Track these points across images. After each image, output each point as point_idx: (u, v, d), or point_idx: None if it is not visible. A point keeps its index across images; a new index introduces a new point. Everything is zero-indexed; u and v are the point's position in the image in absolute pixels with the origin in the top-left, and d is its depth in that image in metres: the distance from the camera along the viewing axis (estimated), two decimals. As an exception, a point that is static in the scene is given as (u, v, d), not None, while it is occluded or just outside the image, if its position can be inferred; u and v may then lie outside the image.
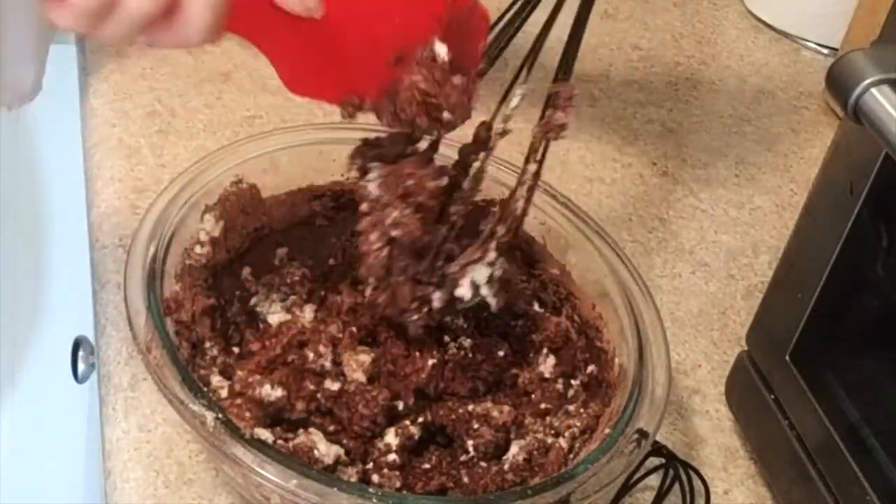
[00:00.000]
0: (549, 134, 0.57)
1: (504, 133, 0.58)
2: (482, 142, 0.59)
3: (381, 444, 0.56)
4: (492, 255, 0.57)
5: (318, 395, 0.56)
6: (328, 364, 0.57)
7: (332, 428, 0.56)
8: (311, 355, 0.57)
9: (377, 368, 0.58)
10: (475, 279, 0.57)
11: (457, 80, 0.53)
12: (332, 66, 0.49)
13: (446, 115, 0.53)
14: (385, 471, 0.55)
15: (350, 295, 0.61)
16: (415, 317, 0.57)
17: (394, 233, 0.55)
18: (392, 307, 0.57)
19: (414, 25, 0.52)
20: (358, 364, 0.57)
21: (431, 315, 0.58)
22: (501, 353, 0.62)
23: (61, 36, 0.94)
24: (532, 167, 0.58)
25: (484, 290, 0.57)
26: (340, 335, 0.59)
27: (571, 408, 0.60)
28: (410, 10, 0.52)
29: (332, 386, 0.56)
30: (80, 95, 0.86)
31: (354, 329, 0.59)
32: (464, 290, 0.57)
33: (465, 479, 0.56)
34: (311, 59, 0.48)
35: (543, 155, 0.58)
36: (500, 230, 0.57)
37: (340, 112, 0.54)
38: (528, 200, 0.59)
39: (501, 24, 0.60)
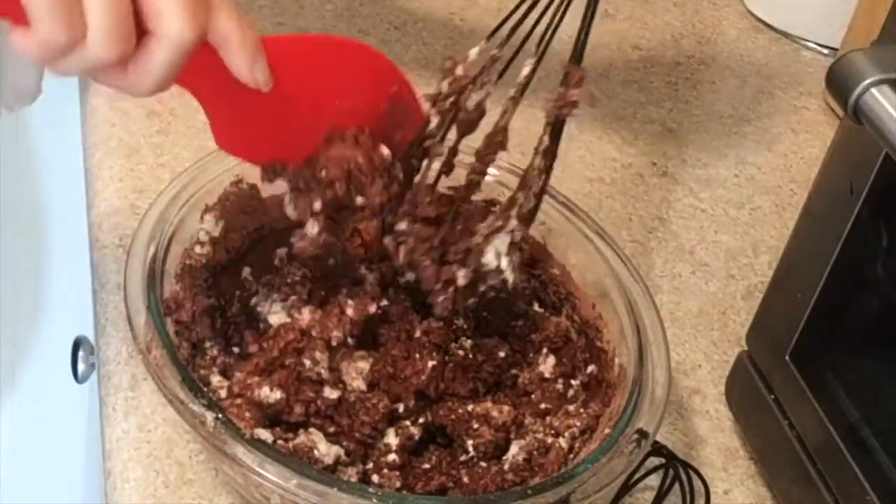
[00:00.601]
0: (564, 110, 0.58)
1: (515, 101, 0.58)
2: (497, 143, 0.59)
3: (380, 445, 0.56)
4: (513, 222, 0.57)
5: (318, 402, 0.56)
6: (325, 373, 0.57)
7: (331, 430, 0.56)
8: (307, 363, 0.57)
9: (377, 374, 0.58)
10: (498, 248, 0.57)
11: (385, 179, 0.56)
12: (264, 133, 0.52)
13: (359, 199, 0.56)
14: (385, 471, 0.55)
15: (350, 295, 0.61)
16: (441, 298, 0.58)
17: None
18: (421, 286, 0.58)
19: (353, 111, 0.54)
20: (357, 372, 0.57)
21: (458, 295, 0.58)
22: (502, 354, 0.62)
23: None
24: (547, 140, 0.59)
25: (504, 263, 0.57)
26: (340, 336, 0.58)
27: (571, 408, 0.60)
28: (353, 96, 0.54)
29: (332, 395, 0.56)
30: (80, 95, 0.86)
31: (354, 331, 0.59)
32: (489, 258, 0.57)
33: (465, 479, 0.56)
34: (246, 123, 0.50)
35: (559, 129, 0.59)
36: (521, 197, 0.58)
37: (260, 174, 0.56)
38: (548, 171, 0.59)
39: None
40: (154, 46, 0.45)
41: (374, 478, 0.55)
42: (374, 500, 0.49)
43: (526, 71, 0.58)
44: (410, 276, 0.59)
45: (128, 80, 0.46)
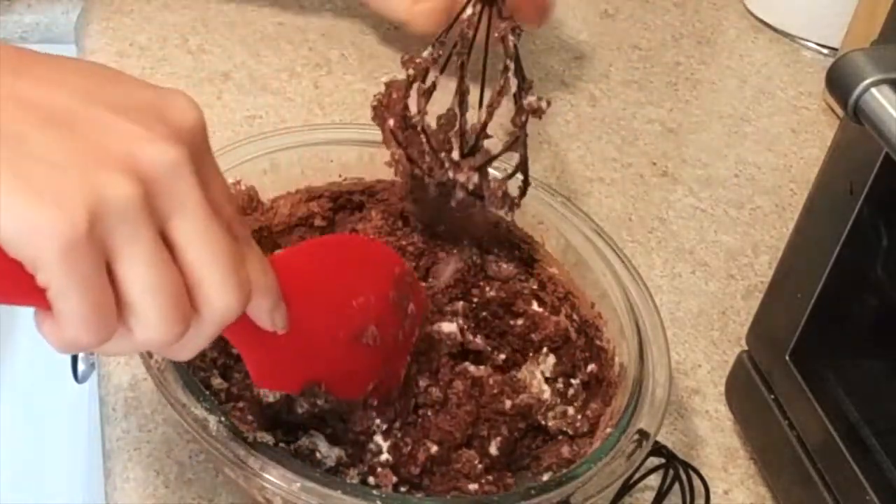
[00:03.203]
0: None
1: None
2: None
3: (371, 445, 0.56)
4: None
5: (316, 401, 0.56)
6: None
7: (328, 431, 0.56)
8: None
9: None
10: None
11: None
12: (293, 360, 0.50)
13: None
14: (379, 470, 0.55)
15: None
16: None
17: None
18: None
19: (367, 305, 0.54)
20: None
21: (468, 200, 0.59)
22: (502, 355, 0.62)
23: (61, 36, 0.94)
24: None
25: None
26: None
27: (571, 408, 0.60)
28: (365, 290, 0.54)
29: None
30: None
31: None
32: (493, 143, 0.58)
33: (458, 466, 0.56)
34: (273, 356, 0.49)
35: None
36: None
37: (303, 394, 0.54)
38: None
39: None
40: (200, 323, 0.40)
41: (371, 479, 0.55)
42: (378, 502, 0.49)
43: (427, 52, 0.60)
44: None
45: (169, 351, 0.42)
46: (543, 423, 0.60)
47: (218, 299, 0.40)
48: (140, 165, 0.37)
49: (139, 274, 0.37)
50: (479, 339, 0.62)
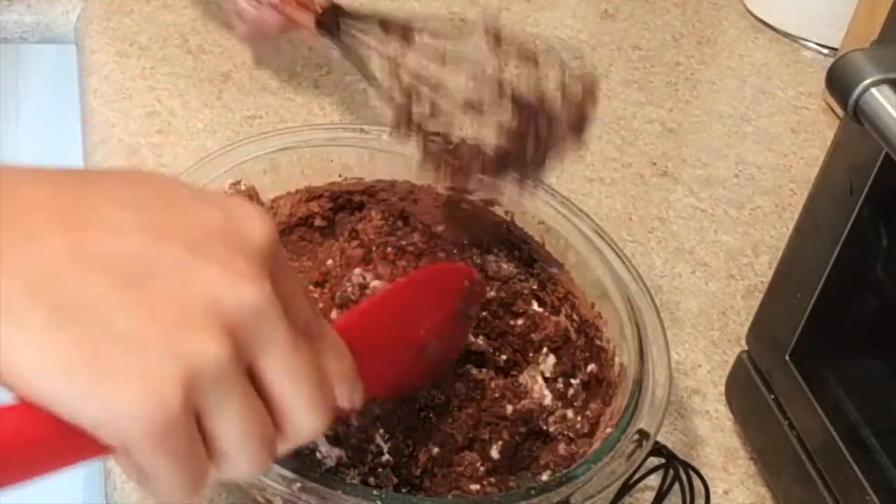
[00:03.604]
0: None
1: None
2: None
3: (372, 447, 0.56)
4: None
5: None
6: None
7: (329, 432, 0.56)
8: None
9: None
10: None
11: None
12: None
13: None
14: (380, 471, 0.55)
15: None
16: None
17: None
18: None
19: (437, 327, 0.55)
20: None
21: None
22: (504, 356, 0.62)
23: (61, 36, 0.94)
24: None
25: None
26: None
27: (571, 411, 0.60)
28: (436, 315, 0.55)
29: None
30: (80, 95, 0.86)
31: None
32: None
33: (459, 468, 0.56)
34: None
35: None
36: None
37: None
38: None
39: None
40: (284, 442, 0.39)
41: (371, 480, 0.55)
42: (379, 503, 0.49)
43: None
44: None
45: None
46: (544, 427, 0.60)
47: (305, 424, 0.39)
48: (226, 314, 0.35)
49: (231, 428, 0.36)
50: (480, 340, 0.62)
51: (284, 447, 0.39)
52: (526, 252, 0.66)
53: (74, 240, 0.34)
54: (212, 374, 0.34)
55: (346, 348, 0.42)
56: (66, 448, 0.34)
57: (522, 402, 0.60)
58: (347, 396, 0.42)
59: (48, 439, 0.33)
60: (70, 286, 0.33)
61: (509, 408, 0.59)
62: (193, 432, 0.35)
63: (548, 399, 0.61)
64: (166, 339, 0.34)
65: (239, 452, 0.36)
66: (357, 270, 0.62)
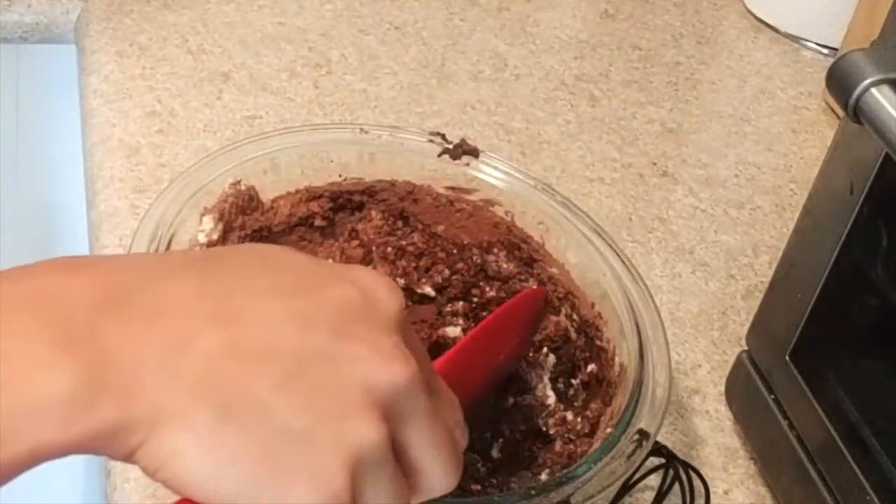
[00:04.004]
0: None
1: None
2: None
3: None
4: None
5: None
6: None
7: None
8: None
9: None
10: None
11: None
12: None
13: None
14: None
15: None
16: None
17: None
18: None
19: (514, 349, 0.59)
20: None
21: None
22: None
23: (61, 36, 0.94)
24: None
25: None
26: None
27: (570, 413, 0.60)
28: (516, 337, 0.58)
29: None
30: (80, 95, 0.86)
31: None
32: None
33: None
34: None
35: None
36: None
37: None
38: None
39: None
40: (413, 497, 0.40)
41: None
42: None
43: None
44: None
45: None
46: (544, 429, 0.60)
47: (442, 483, 0.40)
48: (380, 396, 0.36)
49: (380, 500, 0.37)
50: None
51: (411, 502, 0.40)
52: (526, 252, 0.66)
53: (229, 337, 0.35)
54: (372, 458, 0.35)
55: (455, 397, 0.43)
56: None
57: (524, 395, 0.60)
58: (461, 444, 0.43)
59: None
60: (233, 384, 0.34)
61: (510, 400, 0.59)
62: None
63: (551, 399, 0.61)
64: (330, 430, 0.35)
65: None
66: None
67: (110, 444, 0.33)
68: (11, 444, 0.31)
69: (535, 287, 0.64)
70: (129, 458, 0.33)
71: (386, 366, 0.37)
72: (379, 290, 0.39)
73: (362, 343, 0.37)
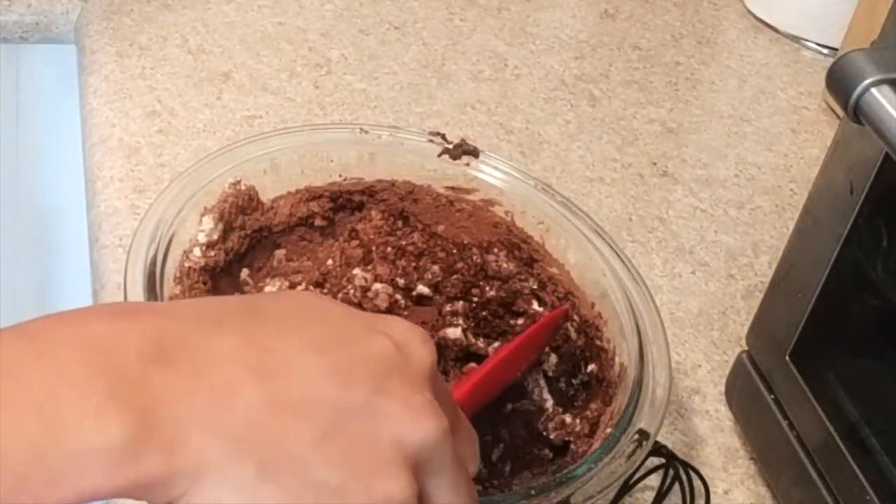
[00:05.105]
0: None
1: None
2: None
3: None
4: None
5: None
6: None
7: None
8: None
9: None
10: None
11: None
12: None
13: None
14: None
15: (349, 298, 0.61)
16: None
17: None
18: None
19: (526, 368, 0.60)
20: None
21: None
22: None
23: (61, 36, 0.94)
24: None
25: None
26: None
27: (569, 416, 0.60)
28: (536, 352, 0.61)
29: None
30: (80, 95, 0.86)
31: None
32: None
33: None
34: None
35: None
36: None
37: None
38: None
39: None
40: None
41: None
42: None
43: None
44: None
45: None
46: (544, 433, 0.60)
47: None
48: (411, 453, 0.37)
49: None
50: (481, 342, 0.62)
51: None
52: (526, 252, 0.66)
53: (269, 391, 0.36)
54: None
55: (473, 431, 0.44)
56: None
57: (522, 401, 0.60)
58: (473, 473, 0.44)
59: None
60: (273, 439, 0.35)
61: (508, 406, 0.59)
62: None
63: (549, 403, 0.61)
64: (364, 486, 0.36)
65: None
66: (357, 270, 0.62)
67: (153, 494, 0.34)
68: (61, 488, 0.32)
69: (557, 304, 0.65)
70: None
71: (418, 424, 0.38)
72: (412, 342, 0.40)
73: (396, 399, 0.38)
